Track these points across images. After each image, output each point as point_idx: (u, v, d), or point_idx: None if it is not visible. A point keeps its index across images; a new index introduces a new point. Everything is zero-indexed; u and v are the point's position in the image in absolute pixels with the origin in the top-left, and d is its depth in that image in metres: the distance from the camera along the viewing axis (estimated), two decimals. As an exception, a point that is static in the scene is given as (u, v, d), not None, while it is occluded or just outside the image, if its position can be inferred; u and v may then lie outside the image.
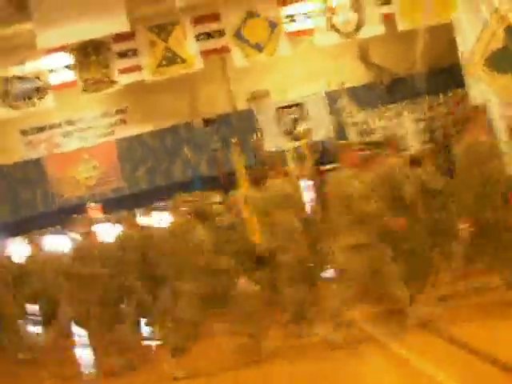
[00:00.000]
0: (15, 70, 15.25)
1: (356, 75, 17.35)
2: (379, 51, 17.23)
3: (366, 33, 15.45)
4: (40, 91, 15.26)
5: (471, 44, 14.03)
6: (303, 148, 15.30)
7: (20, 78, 15.23)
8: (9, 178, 18.07)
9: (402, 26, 15.08)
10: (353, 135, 16.15)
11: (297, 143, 16.52)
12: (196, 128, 17.74)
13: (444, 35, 14.99)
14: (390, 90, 17.34)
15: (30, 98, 15.23)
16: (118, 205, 17.25)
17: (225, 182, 15.51)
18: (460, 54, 14.42)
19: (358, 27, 15.34)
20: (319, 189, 14.13)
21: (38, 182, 18.04)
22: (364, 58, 17.42)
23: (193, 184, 16.37)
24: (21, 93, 15.20)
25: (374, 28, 15.36)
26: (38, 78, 15.28)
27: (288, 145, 16.69)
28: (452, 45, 14.92)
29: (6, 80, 15.20)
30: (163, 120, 17.62)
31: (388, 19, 15.34)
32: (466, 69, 14.24)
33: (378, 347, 7.25)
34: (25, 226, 17.49)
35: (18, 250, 14.09)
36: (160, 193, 16.79)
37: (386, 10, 15.33)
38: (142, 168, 17.88)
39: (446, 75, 16.23)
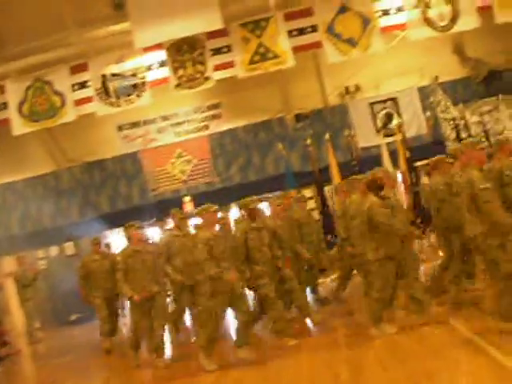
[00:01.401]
0: (114, 68, 15.68)
1: (450, 69, 17.01)
2: (475, 44, 16.85)
3: (460, 26, 15.12)
4: (138, 88, 15.66)
5: None
6: (397, 143, 15.19)
7: (119, 76, 15.67)
8: (107, 171, 18.64)
9: (499, 18, 14.72)
10: (447, 131, 15.90)
11: (390, 139, 16.43)
12: (288, 123, 17.82)
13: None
14: (485, 84, 16.94)
15: (128, 95, 15.64)
16: (211, 199, 17.53)
17: (318, 178, 15.55)
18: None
19: (453, 20, 15.05)
20: (412, 184, 14.09)
21: (134, 176, 18.52)
22: (459, 51, 17.09)
23: (285, 179, 16.44)
24: (120, 90, 15.64)
25: (469, 21, 15.02)
26: (135, 75, 15.67)
27: (382, 140, 16.60)
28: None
29: (106, 78, 15.66)
30: (256, 115, 17.77)
31: (483, 11, 14.99)
32: None
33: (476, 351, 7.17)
34: (121, 219, 18.06)
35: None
36: (252, 187, 17.00)
37: (481, 2, 14.98)
38: (235, 162, 18.07)
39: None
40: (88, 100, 15.79)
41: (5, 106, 16.05)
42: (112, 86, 15.65)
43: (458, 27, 15.12)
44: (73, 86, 15.76)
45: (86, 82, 15.75)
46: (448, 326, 8.26)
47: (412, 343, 8.01)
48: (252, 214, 9.91)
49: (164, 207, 17.75)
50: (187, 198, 17.48)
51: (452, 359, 6.98)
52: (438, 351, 7.35)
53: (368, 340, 8.57)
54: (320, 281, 13.16)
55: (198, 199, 17.57)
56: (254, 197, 10.54)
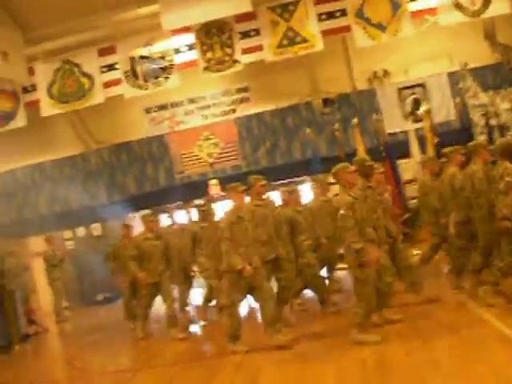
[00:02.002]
0: (142, 51, 15.72)
1: (481, 55, 16.79)
2: (506, 30, 16.61)
3: (491, 11, 14.89)
4: (166, 71, 15.68)
5: None
6: (425, 129, 15.10)
7: (147, 58, 15.71)
8: (134, 153, 18.73)
9: (532, 3, 14.51)
10: (476, 118, 15.76)
11: (419, 124, 16.32)
12: (316, 108, 17.75)
13: None
14: (516, 70, 16.75)
15: (156, 78, 15.68)
16: (238, 182, 17.57)
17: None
18: None
19: (484, 5, 14.84)
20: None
21: (161, 158, 18.61)
22: (490, 37, 16.87)
23: (312, 164, 16.42)
24: (148, 73, 15.68)
25: (500, 6, 14.80)
26: (164, 57, 15.69)
27: (410, 126, 16.50)
28: None
29: (134, 60, 15.71)
30: (283, 99, 17.73)
31: (516, -4, 14.79)
32: None
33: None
34: (148, 200, 18.19)
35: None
36: (279, 171, 17.03)
37: (513, -14, 14.76)
38: (262, 146, 18.06)
39: None
40: (116, 82, 15.86)
41: (34, 87, 16.18)
42: (140, 68, 15.70)
43: (489, 12, 14.90)
44: (101, 68, 15.83)
45: (114, 64, 15.82)
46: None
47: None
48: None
49: (190, 190, 17.89)
50: (214, 181, 17.52)
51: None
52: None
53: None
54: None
55: (225, 182, 17.65)
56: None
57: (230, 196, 9.41)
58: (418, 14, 15.04)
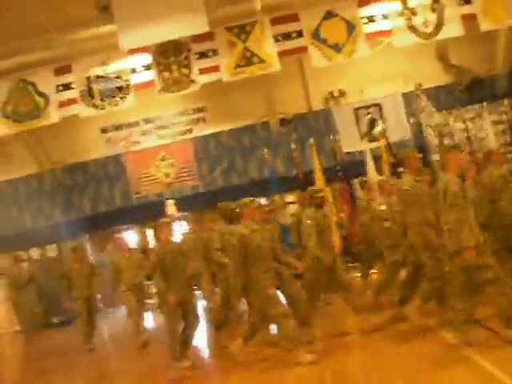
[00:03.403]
0: (98, 71, 15.64)
1: (434, 76, 17.13)
2: (458, 52, 16.96)
3: (445, 33, 15.23)
4: (122, 90, 15.61)
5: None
6: (381, 149, 15.27)
7: (103, 78, 15.63)
8: (90, 173, 18.56)
9: (484, 26, 14.86)
10: (430, 137, 16.01)
11: (374, 144, 16.49)
12: (272, 128, 17.84)
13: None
14: (468, 91, 17.07)
15: (112, 97, 15.59)
16: (194, 202, 17.55)
17: (303, 182, 15.57)
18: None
19: (438, 28, 15.15)
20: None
21: (117, 178, 18.46)
22: (443, 58, 17.20)
23: (269, 184, 16.45)
24: (104, 92, 15.59)
25: (453, 28, 15.15)
26: (120, 77, 15.63)
27: (366, 146, 16.65)
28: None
29: (90, 80, 15.61)
30: (240, 119, 17.77)
31: (467, 19, 15.12)
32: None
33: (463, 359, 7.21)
34: (104, 221, 18.04)
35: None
36: (236, 191, 17.00)
37: (466, 10, 15.10)
38: (219, 166, 18.06)
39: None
40: (72, 102, 15.73)
41: (-12, 106, 15.95)
42: (96, 88, 15.61)
43: (443, 35, 15.23)
44: (57, 87, 15.69)
45: (70, 83, 15.69)
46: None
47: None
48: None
49: (147, 210, 17.78)
50: (170, 202, 17.45)
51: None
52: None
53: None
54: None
55: (181, 203, 17.60)
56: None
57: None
58: (373, 36, 15.28)
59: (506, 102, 16.11)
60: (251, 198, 9.10)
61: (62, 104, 15.74)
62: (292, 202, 17.27)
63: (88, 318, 12.81)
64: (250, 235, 8.29)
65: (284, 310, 8.26)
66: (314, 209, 9.37)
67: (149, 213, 17.57)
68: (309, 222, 9.27)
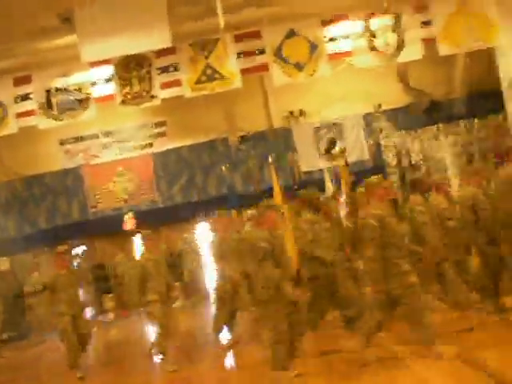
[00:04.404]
0: (58, 82, 15.47)
1: (394, 97, 17.37)
2: (418, 74, 17.26)
3: (405, 56, 15.41)
4: (82, 103, 15.46)
5: (513, 69, 14.24)
6: (340, 168, 15.36)
7: (63, 90, 15.46)
8: (47, 186, 18.33)
9: (443, 50, 15.04)
10: (389, 157, 16.20)
11: (333, 163, 16.61)
12: (232, 144, 17.86)
13: (485, 59, 15.05)
14: (427, 113, 17.34)
15: (72, 110, 15.44)
16: (153, 217, 17.44)
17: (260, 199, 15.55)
18: (501, 79, 14.48)
19: (398, 50, 15.33)
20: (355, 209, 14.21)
21: (74, 192, 18.27)
22: (403, 80, 17.45)
23: (227, 200, 16.45)
24: (63, 104, 15.42)
25: (413, 51, 15.31)
26: (80, 89, 15.49)
27: (325, 165, 16.76)
28: (492, 69, 15.00)
29: (50, 91, 15.44)
30: (201, 135, 17.78)
31: (427, 43, 15.34)
32: (507, 94, 14.34)
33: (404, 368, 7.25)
34: (60, 235, 17.80)
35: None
36: (194, 207, 16.99)
37: (426, 33, 15.30)
38: (178, 182, 18.01)
39: (485, 99, 16.22)
40: (30, 113, 15.49)
41: None
42: (56, 99, 15.41)
43: (403, 57, 15.41)
44: (16, 97, 15.46)
45: (28, 94, 15.47)
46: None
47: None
48: None
49: (103, 225, 17.62)
50: (129, 215, 17.33)
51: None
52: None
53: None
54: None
55: (140, 217, 17.48)
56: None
57: None
58: (334, 57, 15.39)
59: (461, 124, 16.37)
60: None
61: (20, 115, 15.50)
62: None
63: (75, 339, 10.76)
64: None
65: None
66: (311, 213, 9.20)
67: (106, 227, 17.43)
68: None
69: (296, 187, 15.70)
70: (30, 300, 16.22)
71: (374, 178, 8.42)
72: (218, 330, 10.95)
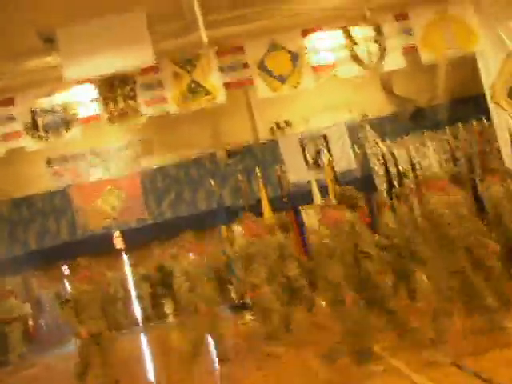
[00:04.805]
0: (43, 103, 15.45)
1: (379, 106, 17.46)
2: (402, 82, 17.37)
3: (387, 65, 15.46)
4: (67, 123, 15.44)
5: (494, 74, 14.32)
6: (327, 179, 15.41)
7: (48, 111, 15.44)
8: (35, 207, 18.28)
9: (425, 58, 15.13)
10: (376, 166, 16.23)
11: (321, 174, 16.63)
12: (219, 159, 17.88)
13: (467, 66, 15.14)
14: (412, 120, 17.42)
15: (58, 130, 15.42)
16: (142, 235, 17.44)
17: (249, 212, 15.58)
18: (484, 85, 14.57)
19: (380, 59, 15.40)
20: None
21: (63, 212, 18.25)
22: (387, 88, 17.54)
23: (216, 215, 16.47)
24: (49, 125, 15.39)
25: (395, 60, 15.39)
26: (65, 109, 15.47)
27: (312, 176, 16.78)
28: (475, 75, 15.09)
29: (35, 112, 15.41)
30: (187, 151, 17.79)
31: (409, 51, 15.42)
32: (490, 99, 14.43)
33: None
34: (50, 255, 17.75)
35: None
36: (184, 223, 16.94)
37: (407, 42, 15.39)
38: (166, 198, 18.02)
39: (469, 105, 16.33)
40: (16, 135, 15.47)
41: None
42: (41, 120, 15.38)
43: (385, 66, 15.48)
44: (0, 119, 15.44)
45: (12, 116, 15.44)
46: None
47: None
48: None
49: (93, 244, 17.57)
50: (117, 233, 17.31)
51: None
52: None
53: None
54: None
55: (129, 235, 17.47)
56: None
57: None
58: (317, 69, 15.43)
59: (448, 130, 16.44)
60: None
61: (6, 137, 15.47)
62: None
63: (87, 360, 10.30)
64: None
65: None
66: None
67: (95, 247, 17.38)
68: None
69: (284, 199, 15.78)
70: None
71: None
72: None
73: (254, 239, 10.59)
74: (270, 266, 10.40)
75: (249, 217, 11.54)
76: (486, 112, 15.16)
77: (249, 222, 11.19)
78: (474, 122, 16.26)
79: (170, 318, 16.19)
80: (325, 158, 16.66)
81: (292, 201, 15.82)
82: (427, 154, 16.24)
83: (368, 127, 16.50)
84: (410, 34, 15.29)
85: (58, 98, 15.46)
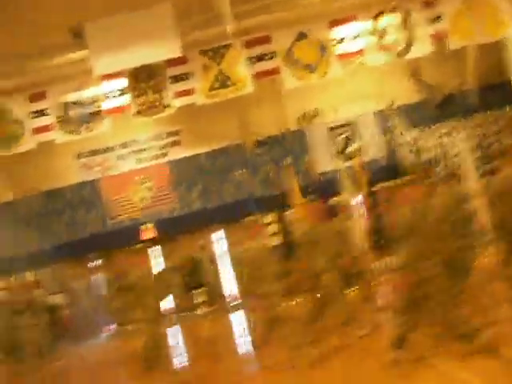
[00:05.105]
0: (73, 96, 15.63)
1: (407, 94, 17.34)
2: (430, 69, 17.22)
3: (415, 52, 15.49)
4: (97, 116, 15.61)
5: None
6: (356, 167, 15.39)
7: (78, 104, 15.61)
8: (65, 200, 18.40)
9: (453, 44, 15.13)
10: (404, 154, 16.20)
11: (349, 163, 16.61)
12: (248, 149, 17.89)
13: (495, 52, 15.05)
14: (441, 108, 17.30)
15: (87, 123, 15.58)
16: (171, 225, 17.51)
17: (279, 202, 15.62)
18: None
19: (408, 47, 15.39)
20: (372, 206, 14.25)
21: (92, 204, 18.34)
22: (415, 76, 17.44)
23: (245, 205, 16.48)
24: (79, 118, 15.57)
25: (423, 47, 15.41)
26: (95, 103, 15.63)
27: (341, 164, 16.78)
28: (503, 62, 15.00)
29: (67, 105, 15.59)
30: (215, 142, 17.80)
31: (437, 37, 15.38)
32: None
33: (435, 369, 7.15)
34: (79, 247, 17.89)
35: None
36: (213, 213, 17.05)
37: (435, 28, 15.35)
38: (195, 189, 18.05)
39: (497, 92, 16.19)
40: (47, 128, 15.68)
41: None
42: (73, 113, 15.59)
43: (413, 53, 15.48)
44: (31, 113, 15.63)
45: (44, 109, 15.65)
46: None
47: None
48: None
49: (123, 235, 17.70)
50: (149, 225, 17.41)
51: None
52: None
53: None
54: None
55: (159, 226, 17.55)
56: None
57: None
58: (345, 57, 15.47)
59: (476, 117, 16.34)
60: None
61: (37, 130, 15.70)
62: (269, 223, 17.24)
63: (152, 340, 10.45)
64: None
65: None
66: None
67: (124, 238, 17.49)
68: None
69: (313, 188, 15.77)
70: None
71: None
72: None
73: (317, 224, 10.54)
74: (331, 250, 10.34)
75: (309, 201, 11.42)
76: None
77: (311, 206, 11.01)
78: (504, 110, 16.14)
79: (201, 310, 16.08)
80: (353, 146, 16.65)
81: (320, 190, 15.78)
82: (455, 142, 16.16)
83: (396, 115, 16.46)
84: (438, 21, 15.26)
85: (88, 92, 15.66)
